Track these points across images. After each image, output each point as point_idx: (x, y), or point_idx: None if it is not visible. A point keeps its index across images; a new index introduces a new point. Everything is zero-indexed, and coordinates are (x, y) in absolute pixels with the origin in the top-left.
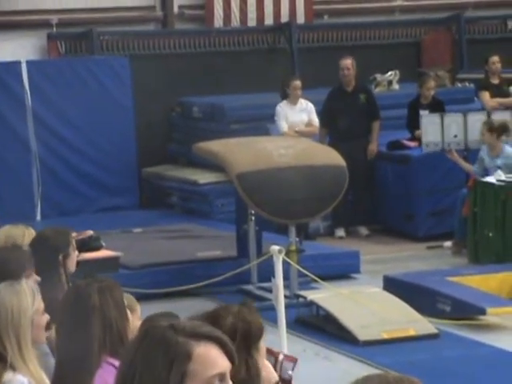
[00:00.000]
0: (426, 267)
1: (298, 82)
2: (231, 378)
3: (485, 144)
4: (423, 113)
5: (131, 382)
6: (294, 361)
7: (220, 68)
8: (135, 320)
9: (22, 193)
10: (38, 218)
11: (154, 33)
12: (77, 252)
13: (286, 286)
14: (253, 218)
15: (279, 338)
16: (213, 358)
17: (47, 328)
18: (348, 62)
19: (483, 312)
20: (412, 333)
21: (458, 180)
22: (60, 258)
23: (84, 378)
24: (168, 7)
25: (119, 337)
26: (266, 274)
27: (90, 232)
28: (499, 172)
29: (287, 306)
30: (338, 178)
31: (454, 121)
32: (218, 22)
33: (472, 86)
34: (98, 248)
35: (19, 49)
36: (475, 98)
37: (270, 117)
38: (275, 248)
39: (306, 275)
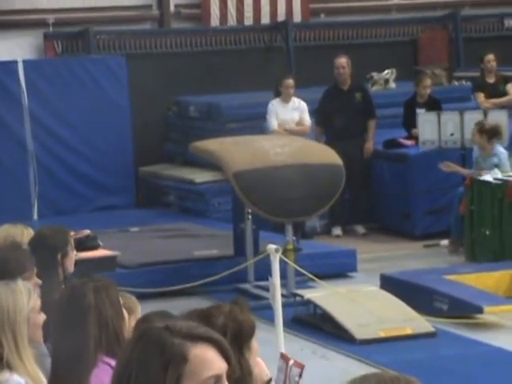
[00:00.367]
0: (422, 266)
1: (290, 81)
2: (226, 379)
3: (475, 145)
4: (420, 111)
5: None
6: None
7: (216, 67)
8: (134, 321)
9: (19, 192)
10: (35, 217)
11: (150, 32)
12: (75, 251)
13: (283, 285)
14: (249, 216)
15: (276, 337)
16: (209, 360)
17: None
18: (343, 61)
19: (480, 310)
20: (409, 331)
21: (454, 178)
22: (58, 257)
23: (80, 378)
24: (164, 6)
25: (115, 336)
26: (263, 272)
27: (87, 231)
28: (496, 170)
29: (284, 305)
30: (335, 177)
31: (450, 119)
32: (215, 21)
33: (469, 84)
34: (94, 247)
35: (16, 48)
36: (472, 97)
37: None
38: (272, 247)
39: (303, 274)
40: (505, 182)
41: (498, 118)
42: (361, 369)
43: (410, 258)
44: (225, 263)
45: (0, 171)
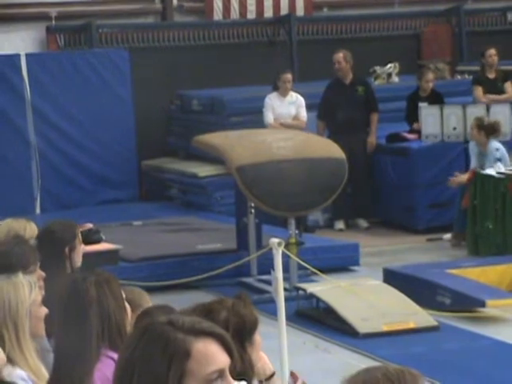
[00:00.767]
0: (425, 259)
1: (288, 75)
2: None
3: (472, 140)
4: (422, 105)
5: (130, 379)
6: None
7: (219, 61)
8: None
9: (22, 186)
10: (38, 211)
11: (153, 25)
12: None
13: (286, 279)
14: (252, 210)
15: (279, 331)
16: (212, 355)
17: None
18: (339, 56)
19: (483, 304)
20: (412, 325)
21: (457, 172)
22: (66, 250)
23: (83, 372)
24: (167, 0)
25: (117, 329)
26: (266, 266)
27: (90, 225)
28: (499, 164)
29: (287, 299)
30: (338, 171)
31: (453, 112)
32: (218, 14)
33: (471, 78)
34: (97, 241)
35: (18, 42)
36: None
37: None
38: (275, 241)
39: (306, 268)
40: (507, 176)
41: (500, 112)
42: (363, 363)
43: (412, 251)
44: (228, 257)
45: (3, 165)
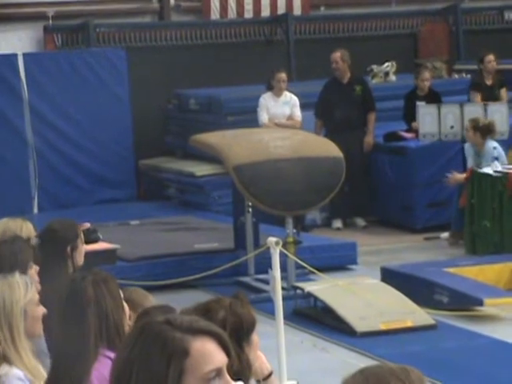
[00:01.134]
0: (423, 258)
1: (282, 75)
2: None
3: (468, 141)
4: (420, 103)
5: (128, 379)
6: None
7: (217, 60)
8: None
9: (19, 185)
10: (35, 210)
11: (150, 25)
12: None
13: (284, 278)
14: (250, 209)
15: (276, 330)
16: (210, 353)
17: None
18: (337, 55)
19: (480, 303)
20: (409, 324)
21: (454, 171)
22: (68, 250)
23: (81, 372)
24: None
25: (115, 328)
26: (264, 265)
27: (87, 224)
28: (496, 163)
29: (284, 298)
30: (335, 170)
31: (450, 111)
32: (215, 13)
33: (469, 77)
34: (95, 240)
35: (16, 41)
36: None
37: None
38: (272, 240)
39: (304, 267)
40: (505, 175)
41: (497, 111)
42: (361, 361)
43: (410, 250)
44: (225, 256)
45: (0, 165)
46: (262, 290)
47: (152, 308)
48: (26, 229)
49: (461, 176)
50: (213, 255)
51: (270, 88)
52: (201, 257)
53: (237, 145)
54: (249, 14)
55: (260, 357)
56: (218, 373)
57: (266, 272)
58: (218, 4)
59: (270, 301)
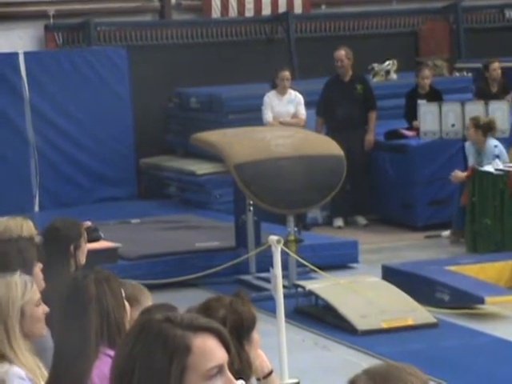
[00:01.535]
0: (424, 256)
1: (286, 73)
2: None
3: (470, 139)
4: (421, 102)
5: (130, 377)
6: None
7: (218, 59)
8: (139, 311)
9: (20, 184)
10: (36, 209)
11: (151, 23)
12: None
13: (285, 276)
14: (251, 208)
15: (278, 328)
16: (211, 350)
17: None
18: (341, 54)
19: (482, 301)
20: (411, 322)
21: (456, 169)
22: (71, 248)
23: (82, 370)
24: None
25: (117, 327)
26: (265, 264)
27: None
28: (497, 161)
29: (286, 296)
30: (337, 168)
31: (451, 109)
32: (216, 12)
33: (470, 75)
34: (96, 239)
35: (16, 40)
36: (473, 88)
37: None
38: (274, 238)
39: (305, 265)
40: (506, 173)
41: (498, 109)
42: (363, 359)
43: (411, 248)
44: (226, 255)
45: (1, 164)
46: (263, 289)
47: (153, 306)
48: (27, 227)
49: (462, 174)
50: (214, 254)
51: (274, 86)
52: (202, 255)
53: (238, 143)
54: (249, 12)
55: (260, 355)
56: (220, 369)
57: (268, 270)
58: (218, 2)
59: (271, 299)
